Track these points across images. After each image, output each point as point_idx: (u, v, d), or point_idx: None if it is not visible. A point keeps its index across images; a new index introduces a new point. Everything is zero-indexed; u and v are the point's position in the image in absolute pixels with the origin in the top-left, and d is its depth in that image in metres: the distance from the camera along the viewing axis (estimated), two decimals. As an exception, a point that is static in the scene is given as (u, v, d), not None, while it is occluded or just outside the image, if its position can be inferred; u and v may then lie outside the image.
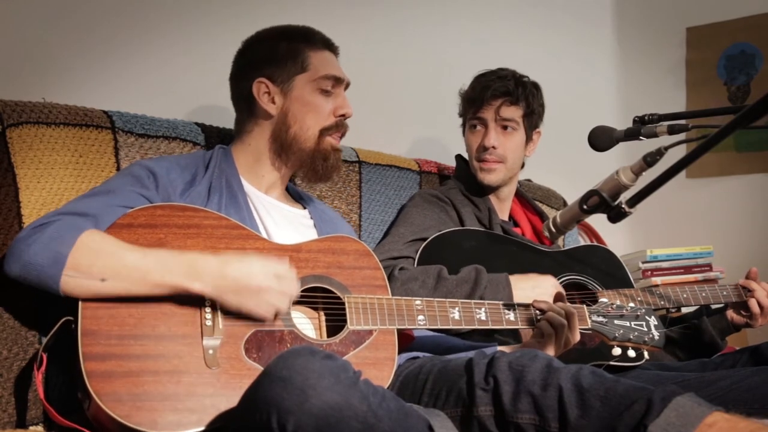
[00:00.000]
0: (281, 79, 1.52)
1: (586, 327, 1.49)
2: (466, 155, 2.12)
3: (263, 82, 1.51)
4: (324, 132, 1.53)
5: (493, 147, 1.91)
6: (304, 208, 1.65)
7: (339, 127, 1.56)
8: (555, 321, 1.43)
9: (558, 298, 1.50)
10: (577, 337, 1.46)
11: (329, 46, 1.59)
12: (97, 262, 1.17)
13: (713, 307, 2.00)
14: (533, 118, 1.97)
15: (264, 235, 1.44)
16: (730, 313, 1.93)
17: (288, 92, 1.52)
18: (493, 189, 1.99)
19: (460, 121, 2.08)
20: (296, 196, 1.67)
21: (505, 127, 1.92)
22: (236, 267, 1.22)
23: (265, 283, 1.22)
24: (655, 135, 1.40)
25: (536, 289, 1.66)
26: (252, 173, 1.54)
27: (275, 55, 1.53)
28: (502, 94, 1.90)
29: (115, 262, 1.18)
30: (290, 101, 1.52)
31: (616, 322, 1.50)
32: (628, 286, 1.97)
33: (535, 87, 1.97)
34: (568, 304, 1.50)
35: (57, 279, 1.16)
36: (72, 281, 1.16)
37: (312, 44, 1.55)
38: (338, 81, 1.55)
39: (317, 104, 1.52)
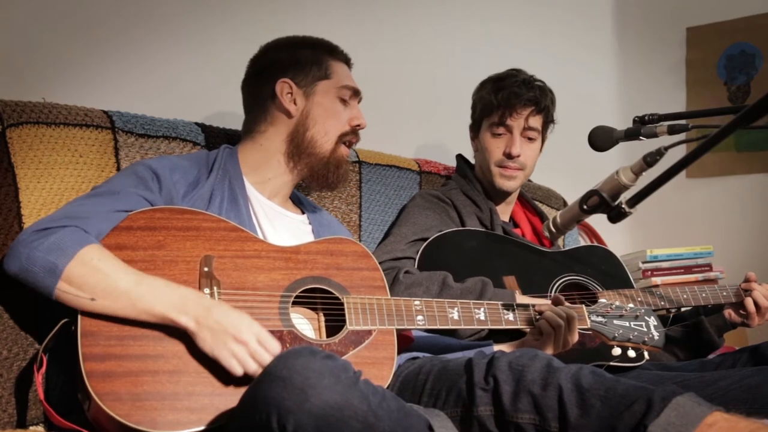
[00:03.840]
0: (304, 82, 1.54)
1: (586, 327, 1.49)
2: (466, 155, 2.12)
3: (287, 82, 1.53)
4: (341, 138, 1.56)
5: (518, 155, 1.91)
6: (303, 213, 1.65)
7: (354, 134, 1.59)
8: (553, 321, 1.44)
9: (556, 301, 1.50)
10: (576, 338, 1.46)
11: (347, 60, 1.64)
12: (91, 281, 1.17)
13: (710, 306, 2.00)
14: (548, 125, 2.00)
15: (261, 238, 1.43)
16: (728, 312, 1.93)
17: (310, 96, 1.54)
18: (507, 194, 1.99)
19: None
20: (296, 201, 1.67)
21: (528, 136, 1.93)
22: (224, 311, 1.19)
23: (243, 336, 1.17)
24: (655, 135, 1.40)
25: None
26: (257, 175, 1.54)
27: (299, 59, 1.56)
28: (532, 104, 1.90)
29: (108, 283, 1.17)
30: (312, 104, 1.54)
31: (615, 322, 1.50)
32: (629, 286, 1.97)
33: (552, 93, 1.98)
34: (568, 304, 1.50)
35: (50, 290, 1.17)
36: (64, 294, 1.17)
37: (334, 55, 1.60)
38: (355, 93, 1.60)
39: (337, 111, 1.56)
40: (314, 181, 1.59)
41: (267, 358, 1.16)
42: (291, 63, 1.55)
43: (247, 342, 1.17)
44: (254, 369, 1.16)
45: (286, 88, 1.53)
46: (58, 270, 1.16)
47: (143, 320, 1.18)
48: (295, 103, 1.53)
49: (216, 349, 1.16)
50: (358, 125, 1.59)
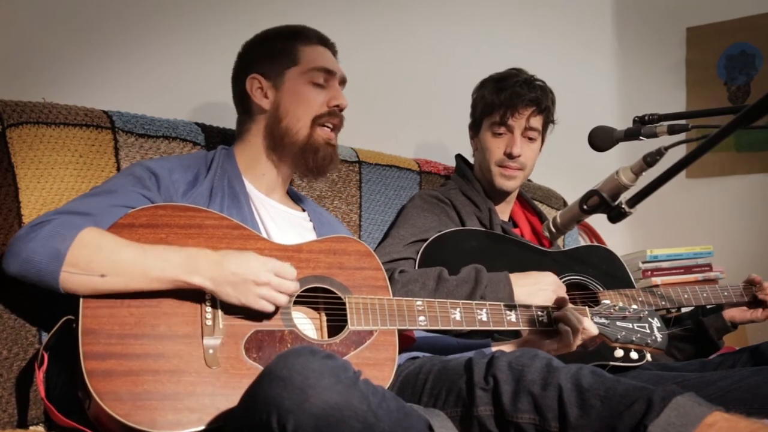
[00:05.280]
0: (273, 74, 1.53)
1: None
2: (466, 154, 2.12)
3: (256, 78, 1.53)
4: (316, 121, 1.52)
5: (518, 155, 1.91)
6: (303, 210, 1.65)
7: (332, 115, 1.54)
8: (571, 322, 1.43)
9: (560, 302, 1.49)
10: (578, 343, 1.45)
11: (323, 41, 1.59)
12: (96, 258, 1.17)
13: (708, 306, 2.00)
14: (548, 126, 2.00)
15: (264, 236, 1.44)
16: (730, 313, 1.93)
17: (280, 86, 1.53)
18: (507, 194, 1.99)
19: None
20: (296, 199, 1.68)
21: (529, 136, 1.93)
22: (234, 260, 1.22)
23: (263, 278, 1.22)
24: (655, 135, 1.40)
25: (537, 285, 1.66)
26: (253, 172, 1.54)
27: (268, 52, 1.54)
28: (533, 104, 1.90)
29: (114, 257, 1.18)
30: (282, 94, 1.52)
31: (618, 323, 1.50)
32: (629, 286, 1.97)
33: (553, 94, 1.98)
34: (571, 305, 1.49)
35: (56, 276, 1.16)
36: (71, 277, 1.16)
37: (304, 39, 1.56)
38: (330, 73, 1.55)
39: (308, 95, 1.52)
40: (300, 171, 1.58)
41: (291, 286, 1.26)
42: (261, 57, 1.54)
43: (268, 281, 1.22)
44: (285, 301, 1.25)
45: (255, 84, 1.53)
46: (61, 254, 1.16)
47: (156, 288, 1.19)
48: (266, 97, 1.53)
49: (242, 298, 1.22)
50: (337, 105, 1.54)
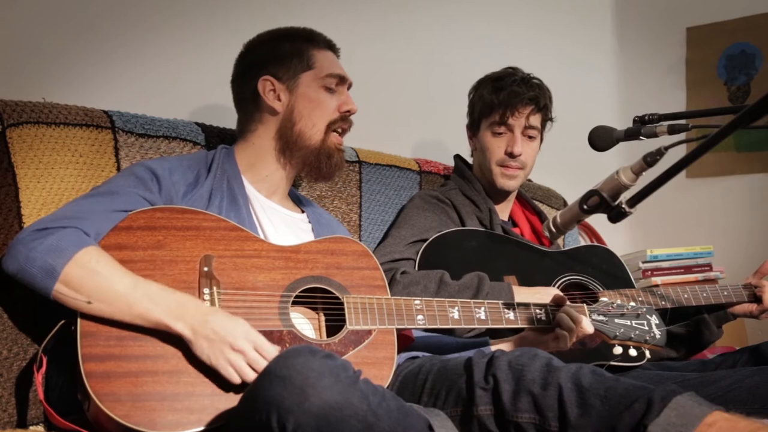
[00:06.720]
0: (287, 76, 1.53)
1: None
2: (465, 154, 2.12)
3: (268, 79, 1.52)
4: (330, 126, 1.54)
5: (519, 154, 1.91)
6: (303, 211, 1.65)
7: (345, 121, 1.57)
8: (565, 324, 1.43)
9: (558, 300, 1.49)
10: (573, 340, 1.45)
11: (331, 46, 1.61)
12: (88, 284, 1.16)
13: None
14: (547, 123, 2.00)
15: (262, 237, 1.43)
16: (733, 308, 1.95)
17: (294, 89, 1.53)
18: (508, 193, 1.99)
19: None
20: (295, 199, 1.67)
21: (529, 135, 1.93)
22: (221, 319, 1.18)
23: (239, 345, 1.16)
24: (655, 135, 1.40)
25: (537, 296, 1.66)
26: (254, 173, 1.54)
27: (279, 53, 1.54)
28: (532, 103, 1.90)
29: (105, 286, 1.17)
30: (296, 98, 1.53)
31: (616, 320, 1.50)
32: (629, 286, 1.97)
33: (549, 91, 1.98)
34: (570, 303, 1.49)
35: (48, 291, 1.17)
36: (61, 296, 1.17)
37: (315, 43, 1.57)
38: (342, 80, 1.57)
39: (323, 101, 1.54)
40: (309, 174, 1.58)
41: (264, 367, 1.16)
42: (271, 59, 1.54)
43: (244, 351, 1.16)
44: (252, 378, 1.16)
45: (268, 86, 1.52)
46: (56, 272, 1.16)
47: (138, 324, 1.17)
48: (279, 99, 1.53)
49: (213, 358, 1.16)
50: (348, 111, 1.56)
